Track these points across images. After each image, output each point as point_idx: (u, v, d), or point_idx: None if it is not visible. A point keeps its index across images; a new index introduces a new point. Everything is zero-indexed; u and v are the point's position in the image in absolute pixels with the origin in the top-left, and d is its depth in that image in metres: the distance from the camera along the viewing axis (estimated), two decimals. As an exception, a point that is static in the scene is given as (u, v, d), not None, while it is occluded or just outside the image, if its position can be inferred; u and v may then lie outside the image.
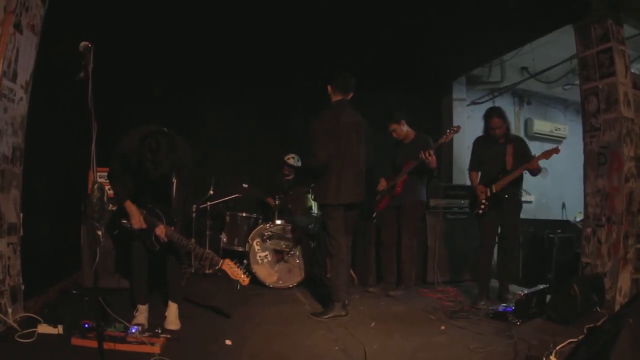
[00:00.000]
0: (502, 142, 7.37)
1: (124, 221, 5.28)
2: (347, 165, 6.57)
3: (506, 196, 7.21)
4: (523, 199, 7.68)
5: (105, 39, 5.28)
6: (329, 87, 6.84)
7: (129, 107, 8.53)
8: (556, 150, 6.87)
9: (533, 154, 7.29)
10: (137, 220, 5.17)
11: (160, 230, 5.17)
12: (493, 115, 7.36)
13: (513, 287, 7.76)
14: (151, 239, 5.28)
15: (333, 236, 6.65)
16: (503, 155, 7.31)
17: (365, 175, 6.90)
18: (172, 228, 5.28)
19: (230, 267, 5.22)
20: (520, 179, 7.36)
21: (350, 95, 6.85)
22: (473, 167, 7.75)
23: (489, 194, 7.27)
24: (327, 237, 6.83)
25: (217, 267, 5.33)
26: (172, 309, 5.56)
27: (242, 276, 5.19)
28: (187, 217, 7.00)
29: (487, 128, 7.42)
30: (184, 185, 5.37)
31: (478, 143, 7.78)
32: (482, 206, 7.31)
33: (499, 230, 7.50)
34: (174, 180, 5.26)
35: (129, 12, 7.42)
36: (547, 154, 6.88)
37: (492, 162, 7.42)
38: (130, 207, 5.22)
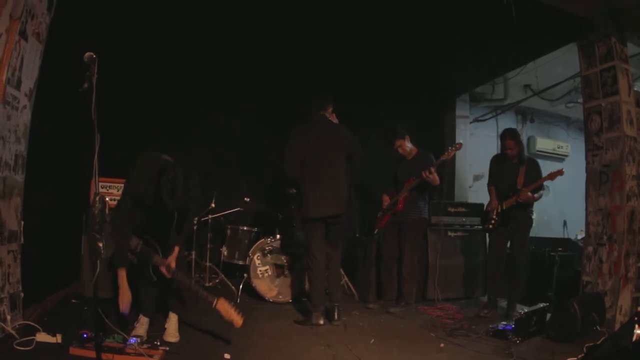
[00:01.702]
0: (515, 162, 7.57)
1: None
2: (324, 179, 6.68)
3: (519, 215, 7.40)
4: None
5: (108, 50, 5.27)
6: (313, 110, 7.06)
7: (131, 119, 8.54)
8: (560, 172, 6.95)
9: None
10: (125, 299, 5.06)
11: (163, 267, 5.18)
12: (507, 136, 7.60)
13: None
14: (149, 272, 5.28)
15: (311, 251, 6.85)
16: (515, 175, 7.49)
17: (348, 189, 6.98)
18: (168, 259, 5.28)
19: (224, 308, 5.19)
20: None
21: (330, 109, 7.04)
22: (490, 183, 8.05)
23: (499, 210, 7.52)
24: (307, 251, 7.01)
25: (211, 308, 5.30)
26: (172, 321, 5.53)
27: (236, 317, 5.16)
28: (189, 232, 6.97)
29: (503, 147, 7.66)
30: (192, 216, 5.42)
31: (493, 161, 8.10)
32: (492, 221, 7.58)
33: (508, 247, 7.65)
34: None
35: (132, 22, 7.46)
36: (552, 176, 6.98)
37: (505, 181, 7.65)
38: (123, 280, 5.10)
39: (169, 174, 4.84)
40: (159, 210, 5.09)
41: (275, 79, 9.57)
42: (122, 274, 5.08)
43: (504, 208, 7.46)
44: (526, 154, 8.43)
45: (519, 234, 7.52)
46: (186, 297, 5.62)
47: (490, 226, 7.61)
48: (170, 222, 5.41)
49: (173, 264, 5.27)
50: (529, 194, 7.19)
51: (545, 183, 7.16)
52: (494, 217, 7.56)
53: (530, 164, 7.63)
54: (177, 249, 5.42)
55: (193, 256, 8.38)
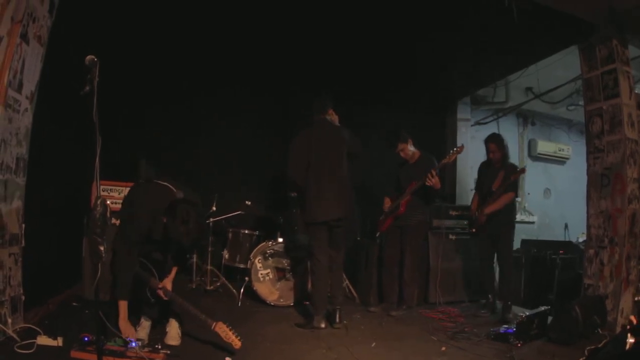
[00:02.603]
0: (497, 167, 7.69)
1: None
2: (325, 182, 6.71)
3: (497, 220, 7.58)
4: (526, 219, 7.77)
5: (110, 52, 5.27)
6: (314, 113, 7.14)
7: (132, 121, 8.57)
8: (522, 171, 7.53)
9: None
10: (127, 331, 5.07)
11: (160, 291, 5.20)
12: (489, 140, 7.87)
13: (515, 308, 7.74)
14: (146, 295, 5.30)
15: (314, 254, 6.86)
16: (493, 179, 7.67)
17: (351, 191, 7.04)
18: (164, 282, 5.30)
19: (223, 330, 5.18)
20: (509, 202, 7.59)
21: (330, 111, 7.10)
22: (475, 187, 8.29)
23: (477, 214, 7.73)
24: (310, 255, 7.05)
25: (210, 329, 5.30)
26: (174, 325, 5.52)
27: (235, 340, 5.15)
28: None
29: (486, 152, 7.86)
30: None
31: (481, 166, 8.21)
32: (475, 226, 7.91)
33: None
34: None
35: (133, 24, 7.44)
36: (516, 175, 7.44)
37: (485, 186, 7.84)
38: (124, 312, 5.12)
39: (184, 215, 4.82)
40: (163, 242, 5.14)
41: (277, 81, 9.57)
42: (123, 306, 5.11)
43: (484, 213, 7.63)
44: (525, 155, 8.53)
45: (500, 237, 7.64)
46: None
47: (473, 230, 8.01)
48: (169, 247, 5.42)
49: (169, 286, 5.29)
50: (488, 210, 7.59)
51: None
52: (474, 221, 7.98)
53: (509, 169, 7.66)
54: (174, 270, 5.47)
55: (194, 259, 8.39)
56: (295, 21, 7.64)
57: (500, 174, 7.57)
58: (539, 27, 7.25)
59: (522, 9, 6.59)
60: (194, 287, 8.33)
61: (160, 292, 5.18)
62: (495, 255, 7.87)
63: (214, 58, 8.98)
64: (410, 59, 9.04)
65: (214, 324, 5.18)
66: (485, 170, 8.02)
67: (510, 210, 7.63)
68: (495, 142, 7.70)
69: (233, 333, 5.13)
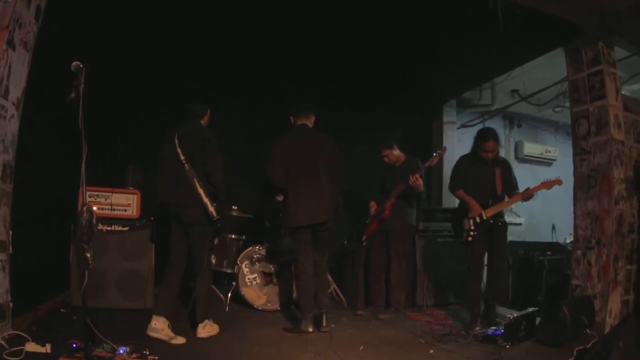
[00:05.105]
0: (489, 165, 7.16)
1: None
2: (307, 187, 6.74)
3: (499, 223, 7.11)
4: (513, 220, 7.67)
5: (96, 58, 5.25)
6: (291, 118, 7.20)
7: (119, 125, 8.54)
8: (558, 182, 6.67)
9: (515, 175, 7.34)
10: None
11: None
12: (489, 137, 7.04)
13: (503, 310, 7.73)
14: None
15: (298, 259, 6.90)
16: (492, 179, 7.12)
17: (335, 196, 7.07)
18: None
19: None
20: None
21: (312, 119, 7.16)
22: (459, 186, 7.44)
23: (478, 220, 7.04)
24: (294, 260, 7.08)
25: None
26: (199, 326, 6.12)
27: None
28: None
29: (480, 149, 7.12)
30: None
31: (465, 162, 7.53)
32: (472, 233, 7.09)
33: (487, 254, 7.35)
34: None
35: (122, 28, 7.37)
36: (547, 185, 6.72)
37: (480, 186, 7.18)
38: None
39: None
40: None
41: (264, 86, 9.52)
42: None
43: (485, 218, 6.98)
44: (511, 158, 8.26)
45: (499, 240, 7.19)
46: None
47: (470, 238, 7.10)
48: None
49: None
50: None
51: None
52: (472, 228, 7.09)
53: (504, 165, 7.34)
54: None
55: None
56: (282, 24, 7.60)
57: (497, 172, 7.10)
58: (526, 30, 7.23)
59: (508, 11, 6.59)
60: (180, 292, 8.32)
61: None
62: (486, 257, 7.40)
63: (204, 65, 8.93)
64: (396, 63, 9.02)
65: None
66: (472, 168, 7.31)
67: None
68: (496, 140, 7.04)
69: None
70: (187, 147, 6.22)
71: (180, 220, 6.22)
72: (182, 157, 6.15)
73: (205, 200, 6.10)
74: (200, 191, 6.10)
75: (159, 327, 5.74)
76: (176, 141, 6.25)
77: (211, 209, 6.13)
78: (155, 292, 7.12)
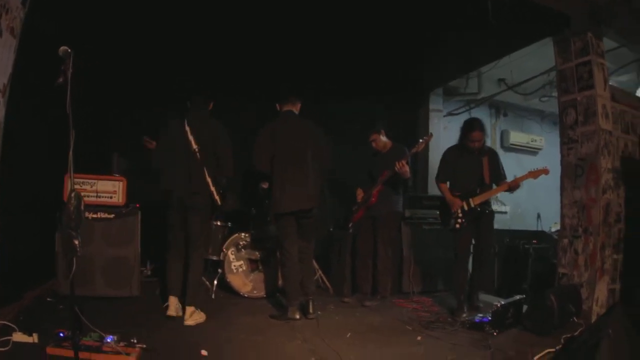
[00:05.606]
0: (476, 155, 7.27)
1: None
2: (292, 174, 6.75)
3: (486, 210, 7.22)
4: (498, 209, 7.68)
5: (86, 45, 5.21)
6: (277, 105, 7.19)
7: (110, 116, 8.51)
8: (545, 171, 6.80)
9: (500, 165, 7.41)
10: None
11: None
12: (476, 127, 7.18)
13: (489, 297, 7.78)
14: None
15: (283, 245, 6.92)
16: (480, 168, 7.24)
17: (320, 182, 7.08)
18: None
19: None
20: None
21: (298, 105, 7.16)
22: (444, 179, 7.65)
23: (466, 208, 7.20)
24: (279, 246, 7.10)
25: None
26: (187, 311, 6.16)
27: None
28: None
29: (466, 139, 7.25)
30: None
31: (452, 154, 7.65)
32: (460, 220, 7.22)
33: (473, 242, 7.42)
34: None
35: (111, 16, 7.31)
36: (534, 174, 6.81)
37: (468, 175, 7.34)
38: None
39: None
40: None
41: (250, 74, 9.47)
42: None
43: (473, 205, 7.15)
44: (497, 146, 8.26)
45: (486, 227, 7.31)
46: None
47: (458, 226, 7.25)
48: None
49: None
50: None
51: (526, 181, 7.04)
52: (460, 216, 7.23)
53: (491, 154, 7.46)
54: None
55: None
56: (267, 14, 7.55)
57: (484, 162, 7.22)
58: (514, 20, 7.21)
59: (497, 0, 6.58)
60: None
61: None
62: (473, 244, 7.45)
63: (195, 59, 8.91)
64: (382, 51, 9.00)
65: None
66: (460, 159, 7.45)
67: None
68: (482, 130, 7.18)
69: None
70: (199, 137, 6.38)
71: (184, 206, 6.34)
72: (195, 147, 6.30)
73: (212, 188, 6.33)
74: (209, 179, 6.30)
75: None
76: (187, 128, 6.37)
77: (217, 196, 6.37)
78: (141, 279, 7.18)
